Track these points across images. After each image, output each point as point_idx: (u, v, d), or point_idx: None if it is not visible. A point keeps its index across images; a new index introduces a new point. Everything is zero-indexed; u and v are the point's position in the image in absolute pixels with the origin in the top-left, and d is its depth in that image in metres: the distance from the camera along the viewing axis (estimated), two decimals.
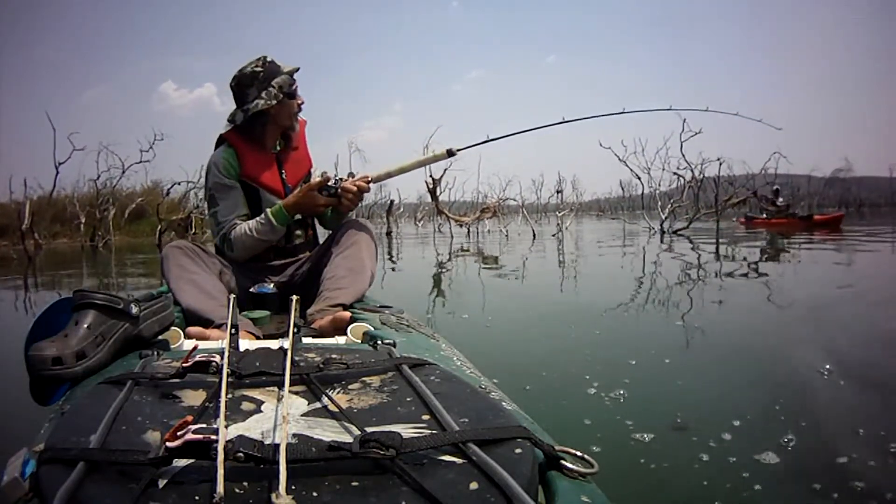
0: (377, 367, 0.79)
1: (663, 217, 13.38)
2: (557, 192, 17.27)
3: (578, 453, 0.59)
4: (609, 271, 5.70)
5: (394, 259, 8.08)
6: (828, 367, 1.95)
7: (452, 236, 13.60)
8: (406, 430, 0.58)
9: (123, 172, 17.92)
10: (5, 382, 1.91)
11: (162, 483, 0.48)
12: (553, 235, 12.82)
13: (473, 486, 0.48)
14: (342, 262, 1.55)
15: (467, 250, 9.23)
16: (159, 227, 14.75)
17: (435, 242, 11.67)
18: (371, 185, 1.62)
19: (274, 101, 1.55)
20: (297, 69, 1.60)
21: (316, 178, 1.72)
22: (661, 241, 9.81)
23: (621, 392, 1.70)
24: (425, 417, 0.62)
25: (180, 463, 0.50)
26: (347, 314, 1.32)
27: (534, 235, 12.73)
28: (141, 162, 17.77)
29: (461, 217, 14.65)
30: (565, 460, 0.57)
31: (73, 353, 0.93)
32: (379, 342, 0.96)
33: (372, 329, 1.18)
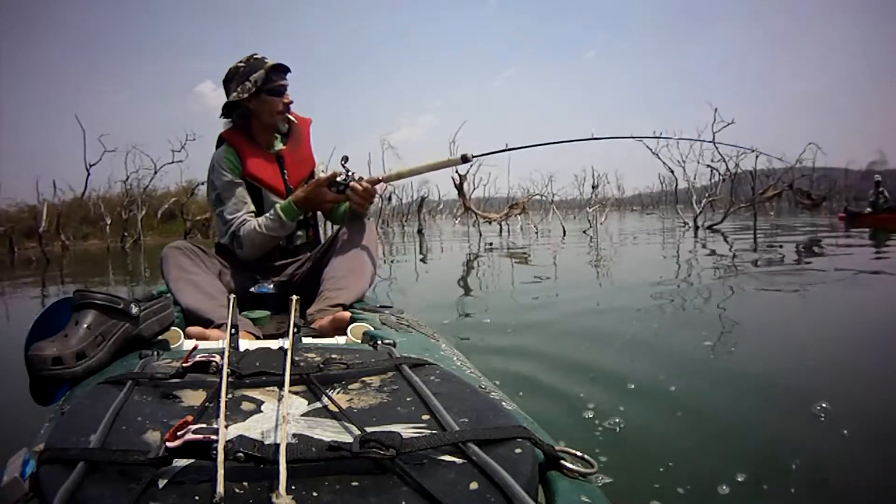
0: (377, 367, 0.79)
1: (697, 211, 12.76)
2: (593, 187, 17.15)
3: (578, 453, 0.59)
4: (638, 274, 5.06)
5: (425, 259, 7.89)
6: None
7: (480, 234, 13.13)
8: (406, 430, 0.58)
9: (156, 173, 18.01)
10: (5, 382, 1.91)
11: (162, 483, 0.48)
12: (584, 232, 12.33)
13: (473, 486, 0.48)
14: (343, 261, 1.55)
15: (495, 248, 8.91)
16: (185, 227, 14.79)
17: (469, 240, 11.27)
18: (381, 185, 1.62)
19: (245, 95, 1.56)
20: (278, 64, 1.58)
21: (320, 173, 1.73)
22: (696, 238, 9.19)
23: (617, 420, 1.52)
24: (425, 417, 0.62)
25: (180, 463, 0.50)
26: (347, 314, 1.32)
27: (564, 233, 12.22)
28: (173, 162, 17.88)
29: (489, 214, 14.43)
30: (565, 460, 0.57)
31: (73, 353, 0.93)
32: (379, 342, 0.96)
33: (372, 329, 1.18)
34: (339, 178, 1.56)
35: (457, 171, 13.73)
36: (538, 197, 17.41)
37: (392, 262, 7.38)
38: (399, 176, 1.64)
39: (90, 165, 16.77)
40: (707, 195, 13.97)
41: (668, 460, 1.31)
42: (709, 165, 14.52)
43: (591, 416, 1.57)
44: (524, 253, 7.75)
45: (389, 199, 21.79)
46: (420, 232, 15.22)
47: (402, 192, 23.79)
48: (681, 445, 1.41)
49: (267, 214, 1.59)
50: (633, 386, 1.80)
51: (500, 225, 14.79)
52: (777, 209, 19.51)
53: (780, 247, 6.54)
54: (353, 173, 1.57)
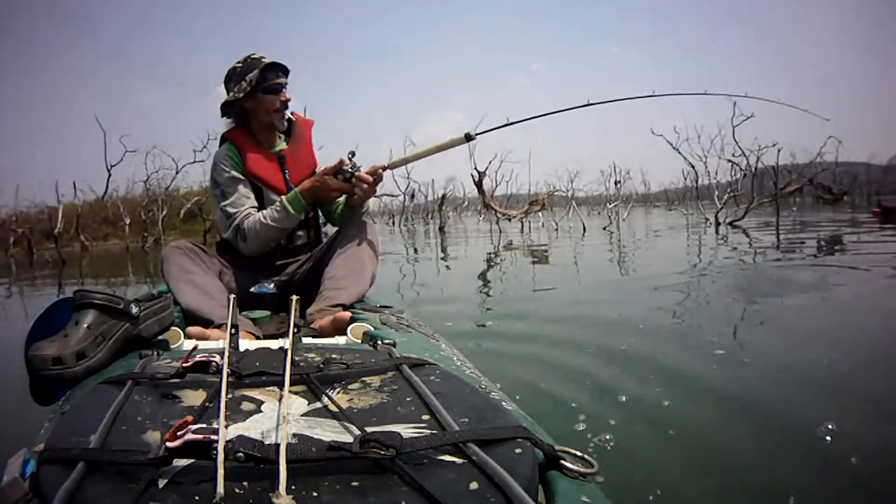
0: (377, 367, 0.79)
1: (719, 207, 12.47)
2: (616, 182, 17.10)
3: (578, 453, 0.59)
4: (653, 276, 4.63)
5: (447, 257, 7.84)
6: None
7: (500, 231, 12.88)
8: (406, 430, 0.58)
9: (177, 172, 18.15)
10: (5, 382, 1.90)
11: (162, 483, 0.48)
12: (604, 229, 12.14)
13: (473, 486, 0.48)
14: (343, 261, 1.55)
15: (514, 247, 8.71)
16: (205, 226, 14.92)
17: (492, 238, 11.01)
18: (386, 171, 1.62)
19: (241, 94, 1.57)
20: (274, 63, 1.59)
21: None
22: (717, 235, 8.83)
23: (608, 437, 1.39)
24: (425, 417, 0.62)
25: (180, 463, 0.50)
26: (347, 314, 1.32)
27: (584, 230, 12.01)
28: (195, 162, 18.03)
29: (509, 211, 14.26)
30: (565, 460, 0.57)
31: (73, 353, 0.93)
32: (379, 342, 0.96)
33: (372, 329, 1.18)
34: (344, 167, 1.56)
35: (476, 168, 13.73)
36: (562, 193, 17.31)
37: (415, 259, 7.34)
38: (405, 161, 1.64)
39: (111, 166, 16.98)
40: (729, 191, 13.70)
41: (658, 488, 1.20)
42: (730, 160, 14.30)
43: (581, 429, 1.45)
44: (544, 252, 7.57)
45: (413, 196, 21.92)
46: (441, 229, 15.26)
47: (428, 189, 23.91)
48: (672, 472, 1.29)
49: (272, 206, 1.59)
50: (624, 398, 1.65)
51: (522, 222, 14.67)
52: (800, 204, 18.91)
53: (802, 246, 6.05)
54: (359, 166, 1.58)
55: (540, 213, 14.25)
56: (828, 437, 1.34)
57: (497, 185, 22.02)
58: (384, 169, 1.61)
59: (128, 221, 16.92)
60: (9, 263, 11.83)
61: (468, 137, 1.59)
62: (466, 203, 28.22)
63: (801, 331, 2.52)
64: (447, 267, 6.52)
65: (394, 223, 23.36)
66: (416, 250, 8.66)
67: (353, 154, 1.58)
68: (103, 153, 17.03)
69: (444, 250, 8.72)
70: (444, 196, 18.58)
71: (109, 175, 17.33)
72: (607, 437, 1.40)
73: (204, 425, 0.50)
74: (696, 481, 1.26)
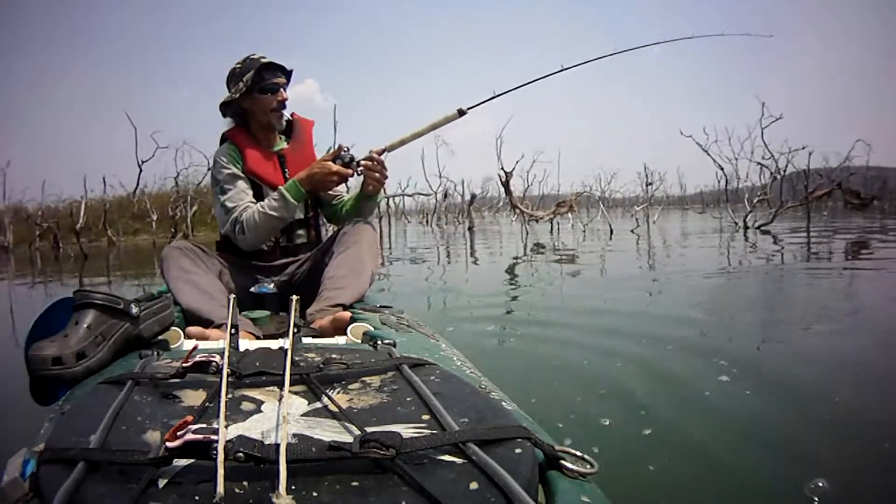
0: (377, 367, 0.79)
1: (748, 210, 12.25)
2: (647, 184, 17.05)
3: (578, 453, 0.59)
4: (670, 285, 4.38)
5: (474, 257, 7.79)
6: None
7: (528, 232, 12.69)
8: (406, 430, 0.58)
9: (209, 170, 18.29)
10: (5, 382, 1.90)
11: (162, 483, 0.48)
12: (631, 231, 12.04)
13: (473, 486, 0.48)
14: (343, 261, 1.55)
15: (542, 248, 8.56)
16: None
17: (523, 239, 10.79)
18: (385, 153, 1.61)
19: (237, 95, 1.58)
20: (270, 63, 1.59)
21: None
22: (745, 240, 8.56)
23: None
24: (425, 417, 0.62)
25: (180, 463, 0.50)
26: (347, 314, 1.32)
27: (611, 232, 11.79)
28: None
29: (536, 212, 14.13)
30: (565, 460, 0.57)
31: (73, 353, 0.93)
32: (379, 342, 0.96)
33: (372, 329, 1.18)
34: (342, 152, 1.56)
35: (502, 168, 13.89)
36: (591, 194, 17.16)
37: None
38: (402, 142, 1.64)
39: (142, 162, 17.12)
40: (759, 194, 13.57)
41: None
42: (759, 163, 14.21)
43: (577, 432, 1.38)
44: (566, 255, 7.37)
45: (446, 195, 22.26)
46: (470, 229, 15.39)
47: (464, 189, 24.15)
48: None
49: (271, 195, 1.58)
50: (608, 422, 1.56)
51: (551, 223, 14.60)
52: (832, 209, 18.43)
53: (830, 256, 5.73)
54: (355, 158, 1.58)
55: (569, 215, 14.09)
56: (815, 498, 1.19)
57: (529, 186, 22.26)
58: (380, 153, 1.59)
59: (155, 217, 17.13)
60: (32, 257, 11.89)
61: (460, 112, 1.60)
62: (501, 203, 28.30)
63: (815, 364, 2.21)
64: (476, 263, 6.45)
65: (427, 222, 23.51)
66: (448, 255, 8.54)
67: (349, 148, 1.59)
68: (135, 149, 17.17)
69: (472, 251, 8.71)
70: (473, 196, 18.68)
71: (140, 171, 17.47)
72: (595, 447, 1.32)
73: (204, 425, 0.50)
74: None
